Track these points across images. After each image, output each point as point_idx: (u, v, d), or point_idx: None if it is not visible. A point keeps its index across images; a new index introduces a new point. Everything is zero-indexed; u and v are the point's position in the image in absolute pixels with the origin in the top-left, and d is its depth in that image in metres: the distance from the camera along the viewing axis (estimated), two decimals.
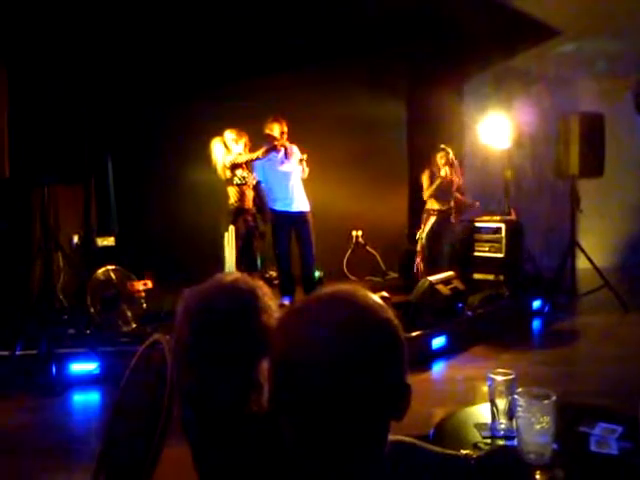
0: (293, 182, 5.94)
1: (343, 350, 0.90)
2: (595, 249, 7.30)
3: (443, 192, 6.57)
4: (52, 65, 5.57)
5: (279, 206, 5.92)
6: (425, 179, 6.60)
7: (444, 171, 6.48)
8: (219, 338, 1.28)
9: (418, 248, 6.66)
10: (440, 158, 6.55)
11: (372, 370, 0.92)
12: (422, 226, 6.64)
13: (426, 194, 6.58)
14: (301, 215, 5.98)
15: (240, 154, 5.69)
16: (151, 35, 6.31)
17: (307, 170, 5.85)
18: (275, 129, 5.79)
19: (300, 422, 0.93)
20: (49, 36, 5.65)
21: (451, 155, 6.54)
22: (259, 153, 5.63)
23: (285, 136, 5.82)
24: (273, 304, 1.35)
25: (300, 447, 0.95)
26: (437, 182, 6.51)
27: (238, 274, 1.41)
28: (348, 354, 0.90)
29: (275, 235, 5.97)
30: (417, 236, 6.69)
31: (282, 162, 5.82)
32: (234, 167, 5.66)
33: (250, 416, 1.27)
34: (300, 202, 5.98)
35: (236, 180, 5.70)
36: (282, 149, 5.68)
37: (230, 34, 6.64)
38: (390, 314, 0.97)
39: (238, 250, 5.64)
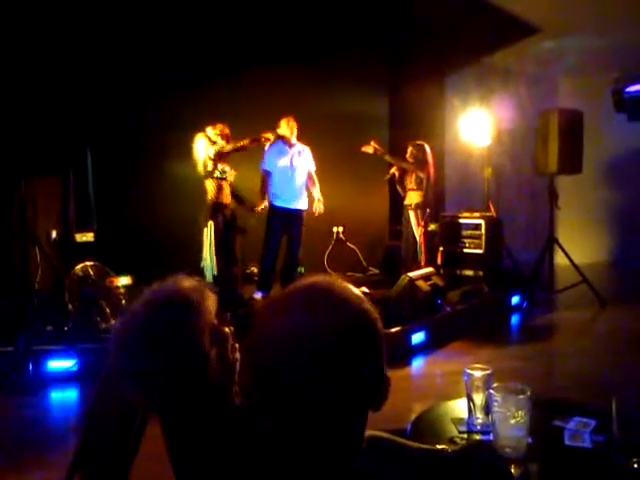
0: (299, 181, 6.05)
1: (321, 341, 0.90)
2: (573, 245, 7.38)
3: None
4: (32, 55, 5.51)
5: (279, 202, 6.00)
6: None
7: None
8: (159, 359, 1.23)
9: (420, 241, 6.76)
10: (409, 153, 6.71)
11: (350, 361, 0.92)
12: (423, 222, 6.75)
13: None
14: (297, 213, 6.08)
15: (224, 145, 5.69)
16: (134, 27, 6.26)
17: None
18: (282, 126, 5.97)
19: (278, 414, 0.94)
20: (29, 26, 5.58)
21: (427, 150, 6.66)
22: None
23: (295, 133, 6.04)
24: (211, 304, 1.30)
25: (279, 439, 0.95)
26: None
27: (174, 282, 1.32)
28: (326, 345, 0.90)
29: (268, 230, 6.03)
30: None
31: (292, 166, 5.98)
32: (220, 157, 5.65)
33: (225, 408, 1.26)
34: (300, 201, 6.08)
35: (216, 173, 5.68)
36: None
37: (211, 30, 6.61)
38: (369, 305, 0.98)
39: (217, 245, 5.64)
